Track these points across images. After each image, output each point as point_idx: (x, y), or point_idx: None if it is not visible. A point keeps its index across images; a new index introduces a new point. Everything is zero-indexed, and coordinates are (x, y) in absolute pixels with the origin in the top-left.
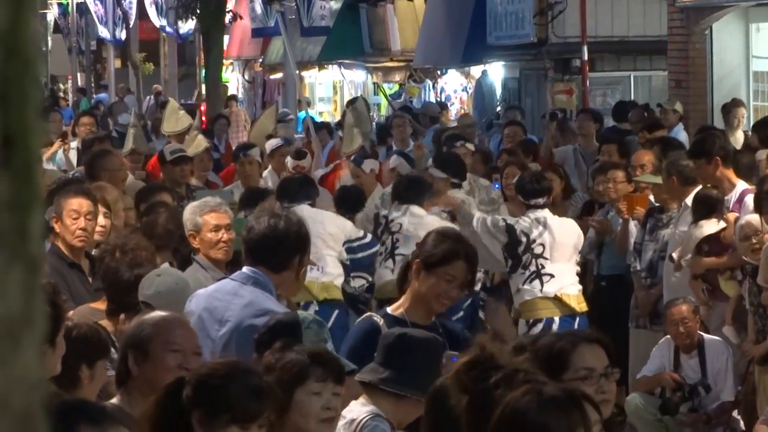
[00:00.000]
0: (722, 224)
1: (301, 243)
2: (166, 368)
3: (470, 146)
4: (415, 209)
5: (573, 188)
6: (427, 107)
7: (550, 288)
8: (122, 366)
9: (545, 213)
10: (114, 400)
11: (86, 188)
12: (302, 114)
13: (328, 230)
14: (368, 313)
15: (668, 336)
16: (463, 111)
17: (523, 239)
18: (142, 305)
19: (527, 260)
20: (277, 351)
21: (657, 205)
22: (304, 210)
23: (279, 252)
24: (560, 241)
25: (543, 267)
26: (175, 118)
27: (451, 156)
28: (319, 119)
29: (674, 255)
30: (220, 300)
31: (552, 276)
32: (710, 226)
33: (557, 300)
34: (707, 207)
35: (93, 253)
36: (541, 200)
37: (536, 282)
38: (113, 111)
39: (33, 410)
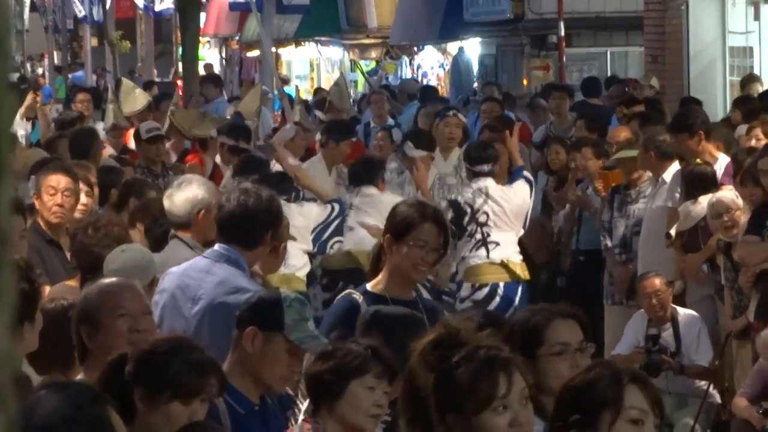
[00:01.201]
0: None
1: (273, 218)
2: (118, 334)
3: (462, 118)
4: (367, 189)
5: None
6: (405, 84)
7: (496, 255)
8: (79, 342)
9: (488, 182)
10: (79, 377)
11: (65, 165)
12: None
13: (294, 223)
14: (347, 291)
15: (641, 310)
16: (440, 87)
17: (468, 210)
18: None
19: (472, 229)
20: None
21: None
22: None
23: (250, 229)
24: (504, 210)
25: (488, 235)
26: (132, 98)
27: (422, 131)
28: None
29: (671, 232)
30: (193, 278)
31: (497, 244)
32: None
33: (504, 266)
34: (703, 182)
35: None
36: (485, 167)
37: (482, 249)
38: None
39: (2, 384)
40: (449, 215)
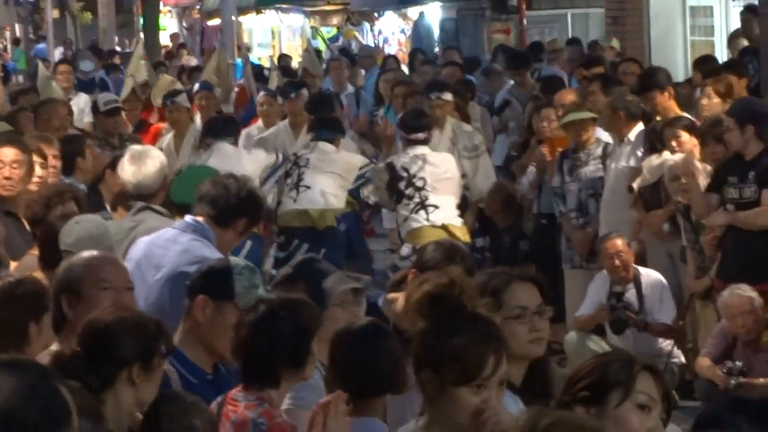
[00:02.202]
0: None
1: (248, 208)
2: (100, 307)
3: (448, 97)
4: (325, 146)
5: None
6: (367, 49)
7: (436, 218)
8: (57, 311)
9: (425, 149)
10: (53, 347)
11: (13, 137)
12: (240, 60)
13: (244, 168)
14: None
15: (603, 272)
16: (401, 53)
17: (404, 174)
18: (65, 254)
19: (410, 193)
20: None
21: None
22: (224, 147)
23: (226, 208)
24: (442, 175)
25: (426, 198)
26: (50, 88)
27: (416, 112)
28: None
29: (634, 185)
30: (159, 246)
31: (436, 207)
32: (676, 156)
33: (444, 229)
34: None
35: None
36: (421, 135)
37: (422, 212)
38: (76, 58)
39: None
40: (385, 177)
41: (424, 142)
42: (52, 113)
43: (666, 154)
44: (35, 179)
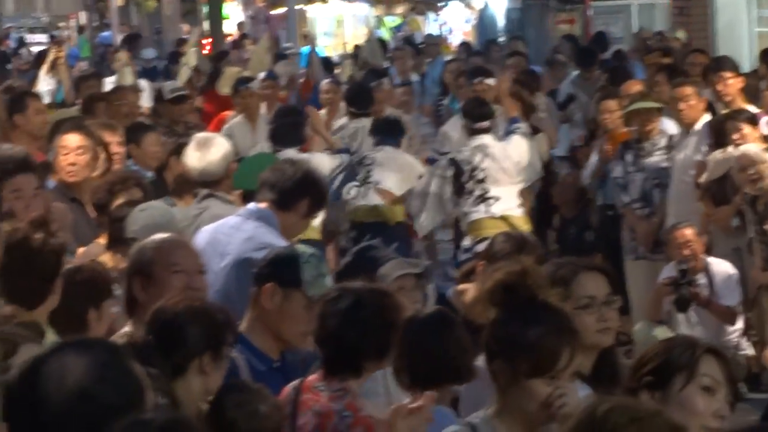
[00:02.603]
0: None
1: (308, 188)
2: (171, 290)
3: (491, 82)
4: (389, 149)
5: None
6: (431, 38)
7: (496, 209)
8: (129, 294)
9: (487, 139)
10: (126, 329)
11: (77, 123)
12: (306, 49)
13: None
14: None
15: (671, 264)
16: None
17: (466, 168)
18: (131, 242)
19: (471, 187)
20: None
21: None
22: (289, 154)
23: (285, 190)
24: (502, 166)
25: (487, 191)
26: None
27: (479, 101)
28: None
29: (701, 180)
30: (224, 234)
31: (497, 199)
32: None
33: (504, 219)
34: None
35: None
36: (485, 123)
37: (482, 205)
38: (137, 46)
39: None
40: (450, 173)
41: (488, 130)
42: (122, 100)
43: (731, 149)
44: (98, 167)
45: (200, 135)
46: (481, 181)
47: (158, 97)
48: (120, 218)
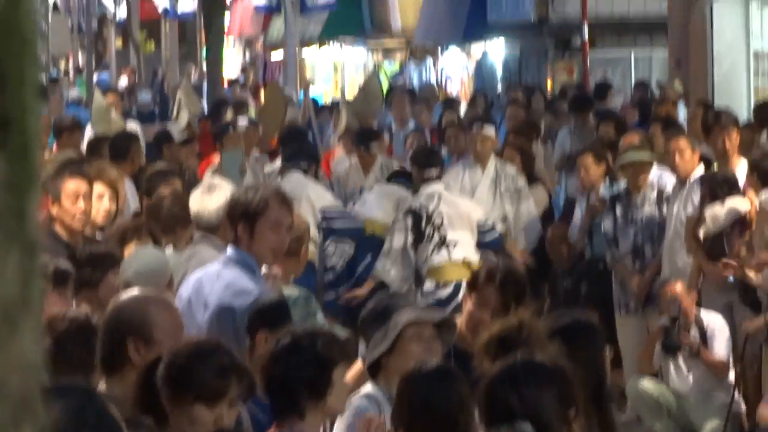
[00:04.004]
0: (747, 202)
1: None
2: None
3: (490, 131)
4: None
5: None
6: (428, 89)
7: (458, 254)
8: (114, 352)
9: (438, 187)
10: (102, 387)
11: (81, 169)
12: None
13: (309, 196)
14: None
15: (664, 315)
16: (463, 91)
17: (423, 214)
18: (124, 287)
19: (430, 232)
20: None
21: (617, 192)
22: (295, 175)
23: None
24: (458, 212)
25: (445, 236)
26: (106, 119)
27: (427, 149)
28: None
29: (700, 233)
30: (205, 283)
31: (455, 244)
32: (742, 204)
33: (465, 264)
34: (730, 185)
35: (98, 237)
36: (434, 171)
37: (443, 250)
38: (133, 90)
39: (30, 393)
40: (409, 223)
41: (438, 178)
42: (131, 148)
43: (730, 202)
44: (103, 212)
45: (210, 179)
46: (440, 226)
47: (161, 139)
48: (92, 260)
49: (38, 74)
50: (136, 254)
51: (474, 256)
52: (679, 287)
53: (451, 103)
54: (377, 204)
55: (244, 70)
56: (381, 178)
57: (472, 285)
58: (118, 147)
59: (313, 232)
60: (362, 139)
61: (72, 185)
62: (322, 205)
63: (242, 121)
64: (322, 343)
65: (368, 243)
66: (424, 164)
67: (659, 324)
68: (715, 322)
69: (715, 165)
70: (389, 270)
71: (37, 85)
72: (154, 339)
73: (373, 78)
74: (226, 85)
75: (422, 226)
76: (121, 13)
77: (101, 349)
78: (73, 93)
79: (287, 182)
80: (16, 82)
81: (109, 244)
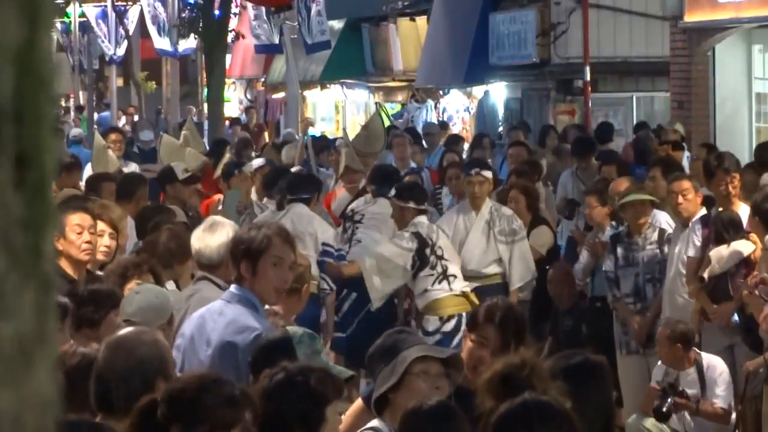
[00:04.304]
0: (751, 244)
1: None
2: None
3: (487, 174)
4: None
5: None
6: (430, 127)
7: (457, 286)
8: (106, 392)
9: (424, 219)
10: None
11: (85, 204)
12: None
13: (315, 229)
14: None
15: (662, 363)
16: (465, 131)
17: (429, 242)
18: (126, 324)
19: (433, 261)
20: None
21: (617, 231)
22: (299, 208)
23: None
24: (451, 245)
25: (447, 268)
26: (105, 159)
27: (412, 185)
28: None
29: (704, 275)
30: (208, 320)
31: (455, 276)
32: (747, 246)
33: (464, 296)
34: (735, 227)
35: (97, 272)
36: (412, 205)
37: (444, 283)
38: (136, 128)
39: (46, 429)
40: (414, 245)
41: (425, 212)
42: (137, 191)
43: (735, 244)
44: (103, 249)
45: (212, 217)
46: (441, 256)
47: (165, 177)
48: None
49: (54, 112)
50: (138, 291)
51: (468, 288)
52: (681, 327)
53: (454, 142)
54: (372, 242)
55: (247, 110)
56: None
57: (472, 323)
58: (125, 188)
59: (315, 270)
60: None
61: (76, 218)
62: (325, 238)
63: (257, 162)
64: (316, 379)
65: (353, 281)
66: (420, 198)
67: (658, 375)
68: (715, 366)
69: (718, 207)
70: (375, 280)
71: (53, 123)
72: (170, 377)
73: (375, 118)
74: (227, 124)
75: (427, 253)
76: (122, 51)
77: (122, 390)
78: (75, 131)
79: (292, 215)
80: (33, 119)
81: (110, 282)
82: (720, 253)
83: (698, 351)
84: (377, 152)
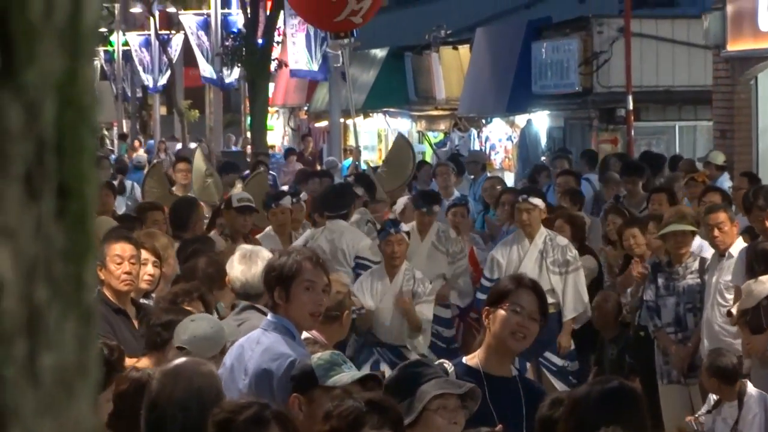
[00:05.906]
0: None
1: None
2: None
3: (538, 202)
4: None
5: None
6: (476, 155)
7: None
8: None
9: None
10: None
11: (127, 234)
12: (347, 162)
13: (347, 242)
14: (440, 360)
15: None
16: (508, 160)
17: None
18: (178, 350)
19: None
20: (336, 398)
21: (657, 260)
22: (337, 223)
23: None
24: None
25: None
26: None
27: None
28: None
29: (733, 310)
30: (246, 349)
31: None
32: None
33: None
34: (765, 260)
35: (141, 300)
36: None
37: None
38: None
39: None
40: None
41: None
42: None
43: (764, 277)
44: (147, 277)
45: (246, 247)
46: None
47: (226, 204)
48: (160, 324)
49: (95, 142)
50: (193, 318)
51: None
52: (726, 358)
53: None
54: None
55: (303, 138)
56: (437, 243)
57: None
58: (177, 215)
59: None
60: (425, 200)
61: (117, 249)
62: (358, 251)
63: (304, 196)
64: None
65: None
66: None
67: (703, 408)
68: (750, 407)
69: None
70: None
71: (94, 154)
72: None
73: (396, 150)
74: (279, 152)
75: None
76: (164, 80)
77: (178, 419)
78: (139, 157)
79: (327, 232)
80: (74, 150)
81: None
82: (750, 287)
83: (745, 382)
84: (403, 184)
